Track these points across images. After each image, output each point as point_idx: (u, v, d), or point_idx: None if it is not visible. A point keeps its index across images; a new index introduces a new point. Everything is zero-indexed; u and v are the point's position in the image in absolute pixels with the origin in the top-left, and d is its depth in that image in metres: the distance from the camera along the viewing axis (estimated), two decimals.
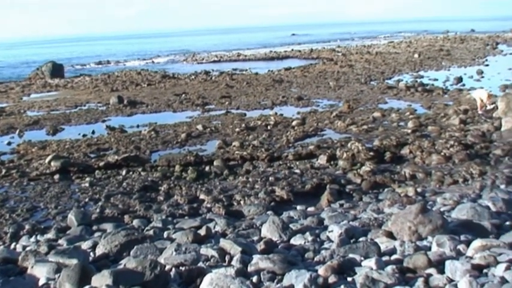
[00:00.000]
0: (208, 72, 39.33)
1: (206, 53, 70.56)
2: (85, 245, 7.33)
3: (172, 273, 5.39)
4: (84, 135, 17.92)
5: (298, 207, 9.81)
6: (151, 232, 7.95)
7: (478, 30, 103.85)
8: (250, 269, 5.40)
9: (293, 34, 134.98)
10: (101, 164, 13.55)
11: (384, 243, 6.37)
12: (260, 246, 6.41)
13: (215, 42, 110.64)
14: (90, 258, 6.55)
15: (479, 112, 18.53)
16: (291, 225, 7.75)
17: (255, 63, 50.45)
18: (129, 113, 22.79)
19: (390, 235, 6.71)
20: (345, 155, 13.22)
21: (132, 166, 13.43)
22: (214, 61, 55.78)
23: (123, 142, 16.39)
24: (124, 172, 12.97)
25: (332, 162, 13.04)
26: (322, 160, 13.18)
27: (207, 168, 12.92)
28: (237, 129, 17.50)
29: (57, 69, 44.36)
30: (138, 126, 19.39)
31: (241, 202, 10.34)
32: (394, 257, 5.78)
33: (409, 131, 15.91)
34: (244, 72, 39.59)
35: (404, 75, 33.07)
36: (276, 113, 20.59)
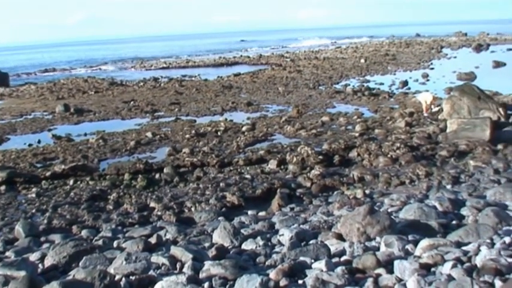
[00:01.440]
0: (157, 78, 39.07)
1: (155, 60, 69.98)
2: (33, 257, 7.16)
3: (122, 282, 5.32)
4: (30, 145, 17.50)
5: (250, 212, 9.86)
6: (100, 242, 7.84)
7: (423, 34, 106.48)
8: (201, 275, 5.41)
9: (242, 40, 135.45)
10: (48, 174, 13.25)
11: (334, 245, 6.47)
12: (212, 252, 6.42)
13: (164, 49, 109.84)
14: (39, 270, 6.41)
15: (425, 114, 19.00)
16: (242, 230, 7.79)
17: (204, 69, 50.37)
18: (76, 121, 22.40)
19: (340, 237, 6.82)
20: (294, 159, 13.34)
21: (80, 175, 13.19)
22: (163, 68, 55.36)
23: (70, 151, 16.08)
24: (71, 182, 12.71)
25: (282, 167, 13.15)
26: (272, 165, 13.27)
27: (157, 175, 12.82)
28: (187, 136, 17.43)
29: (1, 78, 43.15)
30: (85, 134, 19.07)
31: (192, 209, 10.29)
32: (343, 258, 5.88)
33: (357, 134, 16.19)
34: (193, 78, 39.49)
35: (352, 79, 33.64)
36: (226, 119, 20.63)
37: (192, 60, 64.03)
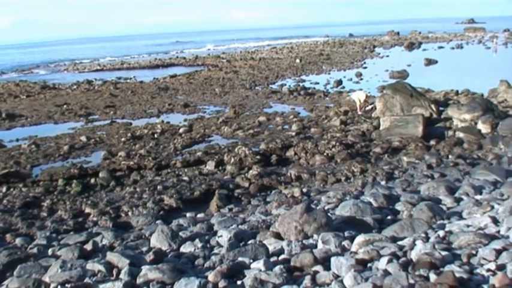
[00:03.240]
0: (91, 81, 38.21)
1: (89, 62, 68.52)
2: None
3: None
4: None
5: (188, 215, 9.78)
6: (35, 250, 7.58)
7: (356, 34, 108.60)
8: (139, 281, 5.31)
9: (177, 41, 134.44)
10: None
11: (272, 244, 6.49)
12: (149, 256, 6.32)
13: (98, 50, 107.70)
14: None
15: (359, 113, 19.36)
16: (180, 233, 7.71)
17: (139, 71, 49.68)
18: (8, 127, 21.61)
19: (278, 236, 6.85)
20: (232, 159, 13.34)
21: (13, 182, 12.72)
22: (97, 70, 54.17)
23: (1, 157, 15.49)
24: (4, 189, 12.24)
25: (220, 168, 13.12)
26: (210, 166, 13.21)
27: (92, 180, 12.52)
28: (123, 139, 17.12)
29: None
30: (17, 140, 18.42)
31: (129, 213, 10.11)
32: (282, 257, 5.90)
33: (293, 133, 16.33)
34: (128, 80, 38.85)
35: (287, 79, 33.95)
36: (162, 121, 20.40)
37: (127, 62, 63.00)
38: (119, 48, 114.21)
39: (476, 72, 33.59)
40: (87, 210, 10.39)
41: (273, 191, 11.04)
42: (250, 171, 12.36)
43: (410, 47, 61.06)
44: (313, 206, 8.00)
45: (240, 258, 5.81)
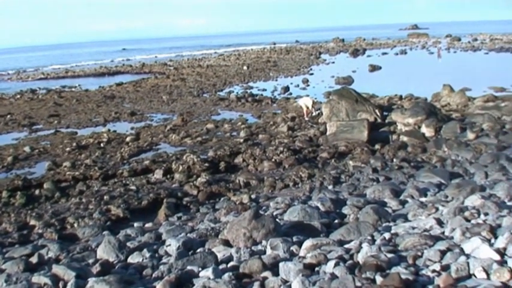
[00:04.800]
0: (35, 90, 37.38)
1: (33, 71, 66.89)
2: None
3: None
4: None
5: (136, 224, 9.65)
6: None
7: (303, 41, 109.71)
8: None
9: (124, 49, 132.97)
10: None
11: (221, 252, 6.47)
12: (96, 268, 6.21)
13: (42, 59, 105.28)
14: None
15: (306, 119, 19.54)
16: (128, 244, 7.60)
17: (84, 79, 48.88)
18: None
19: (227, 243, 6.84)
20: (180, 167, 13.24)
21: None
22: (42, 78, 53.03)
23: None
24: None
25: (168, 176, 13.01)
26: (158, 174, 13.08)
27: (36, 191, 12.21)
28: (68, 149, 16.78)
29: None
30: None
31: (75, 224, 9.90)
32: (231, 264, 5.89)
33: (242, 140, 16.35)
34: (73, 89, 38.23)
35: (235, 86, 34.04)
36: (108, 130, 20.11)
37: (72, 70, 61.85)
38: (64, 56, 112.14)
39: (419, 77, 34.39)
40: (32, 222, 10.13)
41: (222, 198, 11.01)
42: (199, 178, 12.30)
43: (355, 53, 62.12)
44: (262, 212, 8.03)
45: (188, 267, 5.77)
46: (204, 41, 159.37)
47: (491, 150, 12.69)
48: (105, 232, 9.12)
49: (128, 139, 17.87)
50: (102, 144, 17.40)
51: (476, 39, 77.78)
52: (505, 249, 4.85)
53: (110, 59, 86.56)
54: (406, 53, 59.74)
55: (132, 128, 20.58)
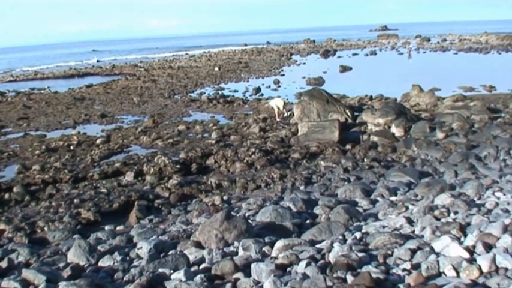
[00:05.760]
0: (4, 93, 36.75)
1: (1, 73, 65.78)
2: None
3: None
4: None
5: (107, 228, 9.55)
6: None
7: (274, 42, 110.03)
8: None
9: (94, 50, 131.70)
10: None
11: (193, 254, 6.45)
12: (67, 272, 6.15)
13: (11, 61, 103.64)
14: None
15: (277, 119, 19.60)
16: (99, 247, 7.54)
17: (54, 81, 48.24)
18: None
19: (199, 245, 6.82)
20: (152, 169, 13.17)
21: None
22: (10, 81, 52.05)
23: None
24: None
25: (139, 178, 12.92)
26: (129, 177, 12.98)
27: (6, 195, 12.00)
28: (37, 152, 16.55)
29: None
30: None
31: (45, 228, 9.76)
32: (202, 266, 5.88)
33: (213, 141, 16.32)
34: (42, 91, 37.66)
35: (207, 88, 33.98)
36: (78, 132, 19.89)
37: (41, 72, 60.99)
38: (34, 58, 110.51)
39: (389, 78, 34.84)
40: (1, 226, 9.94)
41: (194, 200, 10.97)
42: (171, 180, 12.24)
43: (326, 54, 62.51)
44: (234, 214, 8.04)
45: (160, 270, 5.74)
46: (176, 42, 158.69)
47: (460, 149, 12.87)
48: (75, 236, 9.01)
49: (98, 141, 17.69)
50: (72, 147, 17.19)
51: (445, 40, 79.13)
52: (474, 247, 4.92)
53: (80, 60, 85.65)
54: (376, 53, 60.38)
55: (102, 130, 20.38)
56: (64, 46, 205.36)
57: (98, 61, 77.88)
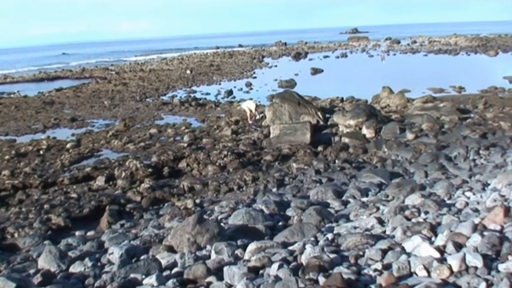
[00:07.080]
0: None
1: None
2: None
3: None
4: None
5: (77, 233, 9.45)
6: None
7: (245, 44, 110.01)
8: None
9: (64, 53, 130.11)
10: None
11: (165, 258, 6.42)
12: (37, 279, 6.07)
13: None
14: None
15: (249, 122, 19.63)
16: (69, 253, 7.47)
17: (23, 85, 47.42)
18: None
19: (171, 249, 6.79)
20: (123, 174, 13.07)
21: None
22: None
23: None
24: None
25: (111, 183, 12.81)
26: (100, 181, 12.86)
27: None
28: (7, 157, 16.28)
29: None
30: None
31: (15, 234, 9.61)
32: (175, 270, 5.85)
33: (185, 144, 16.25)
34: (12, 95, 37.06)
35: (178, 91, 33.80)
36: (48, 137, 19.65)
37: (10, 76, 60.03)
38: (2, 61, 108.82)
39: (360, 80, 35.08)
40: None
41: (166, 204, 10.92)
42: (142, 184, 12.17)
43: (297, 56, 62.70)
44: (206, 217, 8.03)
45: (132, 275, 5.70)
46: (147, 45, 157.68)
47: (430, 149, 13.06)
48: (46, 242, 8.90)
49: (68, 146, 17.47)
50: (41, 152, 16.96)
51: (415, 42, 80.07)
52: (444, 246, 4.97)
53: (49, 63, 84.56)
54: (346, 56, 60.76)
55: (72, 135, 20.13)
56: (33, 49, 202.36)
57: (68, 64, 76.93)
